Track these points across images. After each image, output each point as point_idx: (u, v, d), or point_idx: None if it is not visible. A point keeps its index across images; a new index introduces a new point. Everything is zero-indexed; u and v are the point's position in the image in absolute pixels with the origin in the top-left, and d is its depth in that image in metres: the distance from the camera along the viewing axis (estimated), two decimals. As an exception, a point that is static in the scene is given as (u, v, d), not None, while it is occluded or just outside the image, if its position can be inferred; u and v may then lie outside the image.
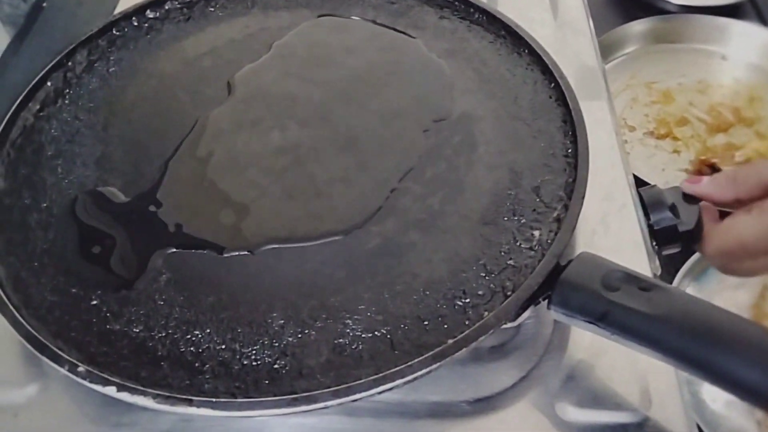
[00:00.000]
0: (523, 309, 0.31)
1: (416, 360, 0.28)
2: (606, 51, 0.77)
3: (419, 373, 0.28)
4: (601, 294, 0.28)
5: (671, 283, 0.56)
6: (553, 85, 0.42)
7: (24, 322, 0.30)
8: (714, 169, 0.66)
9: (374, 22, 0.47)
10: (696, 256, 0.58)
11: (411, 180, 0.37)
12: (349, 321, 0.31)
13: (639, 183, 0.60)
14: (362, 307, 0.32)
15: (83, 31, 0.46)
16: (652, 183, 0.62)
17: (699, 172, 0.67)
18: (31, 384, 0.33)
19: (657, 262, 0.43)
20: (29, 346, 0.29)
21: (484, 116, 0.41)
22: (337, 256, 0.34)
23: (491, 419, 0.31)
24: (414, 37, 0.46)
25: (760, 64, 0.79)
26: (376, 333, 0.31)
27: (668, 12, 0.83)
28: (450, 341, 0.29)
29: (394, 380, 0.28)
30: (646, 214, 0.42)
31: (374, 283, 0.33)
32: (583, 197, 0.35)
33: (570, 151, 0.38)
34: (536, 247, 0.34)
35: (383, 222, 0.35)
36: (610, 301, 0.28)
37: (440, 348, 0.29)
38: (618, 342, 0.28)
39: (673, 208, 0.42)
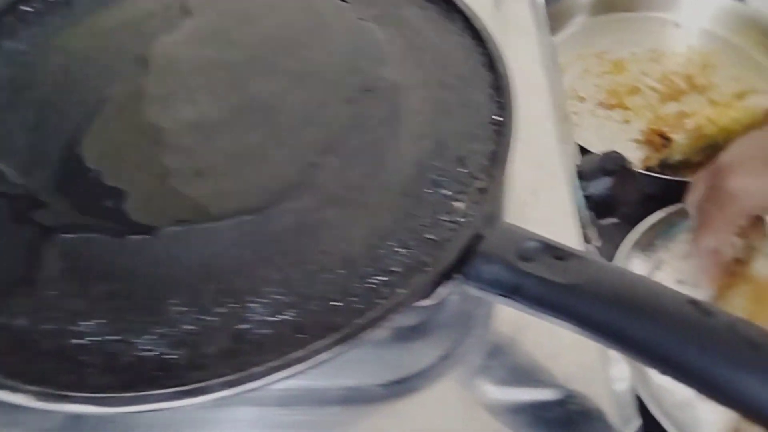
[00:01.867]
0: (437, 285, 0.29)
1: (318, 343, 0.26)
2: (557, 21, 0.75)
3: (322, 356, 0.26)
4: (515, 265, 0.26)
5: (614, 254, 0.55)
6: (483, 51, 0.40)
7: None
8: (665, 138, 0.64)
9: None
10: (642, 226, 0.56)
11: (331, 153, 0.35)
12: (253, 305, 0.29)
13: (582, 150, 0.60)
14: (269, 289, 0.29)
15: None
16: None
17: (649, 142, 0.65)
18: None
19: (596, 234, 0.42)
20: None
21: (412, 85, 0.39)
22: (246, 236, 0.31)
23: (407, 402, 0.29)
24: (344, 1, 0.44)
25: (713, 30, 0.78)
26: (282, 316, 0.29)
27: (620, -20, 0.82)
28: (358, 321, 0.27)
29: (292, 366, 0.25)
30: (583, 185, 0.41)
31: (284, 264, 0.30)
32: (505, 165, 0.33)
33: (497, 118, 0.36)
34: (457, 220, 0.31)
35: (298, 199, 0.33)
36: (523, 272, 0.26)
37: (346, 330, 0.27)
38: (537, 316, 0.26)
39: (611, 175, 0.40)
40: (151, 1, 0.44)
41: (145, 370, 0.27)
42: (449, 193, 0.33)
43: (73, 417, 0.28)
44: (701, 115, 0.66)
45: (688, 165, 0.62)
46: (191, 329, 0.28)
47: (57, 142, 0.36)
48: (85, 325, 0.28)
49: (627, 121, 0.68)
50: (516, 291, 0.26)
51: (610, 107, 0.69)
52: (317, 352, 0.26)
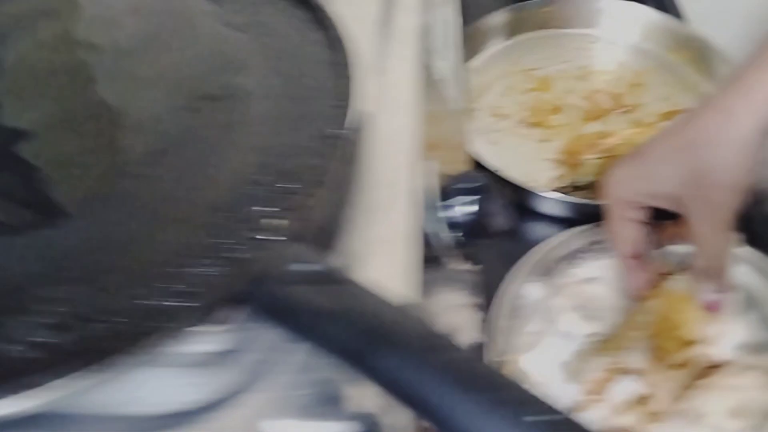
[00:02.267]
0: (212, 311, 0.27)
1: (58, 371, 0.24)
2: (485, 37, 0.74)
3: (63, 384, 0.24)
4: (280, 289, 0.24)
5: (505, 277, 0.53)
6: (338, 63, 0.38)
7: None
8: (576, 158, 0.63)
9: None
10: (540, 248, 0.55)
11: (152, 164, 0.33)
12: (19, 325, 0.27)
13: (499, 178, 0.58)
14: (43, 308, 0.27)
15: None
16: (515, 174, 0.60)
17: (565, 162, 0.64)
18: None
19: (458, 255, 0.40)
20: None
21: (260, 95, 0.37)
22: (35, 249, 0.29)
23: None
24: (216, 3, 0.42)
25: (646, 47, 0.77)
26: (54, 339, 0.27)
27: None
28: (106, 350, 0.25)
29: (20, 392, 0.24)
30: (446, 203, 0.39)
31: (69, 279, 0.29)
32: (322, 183, 0.31)
33: (335, 132, 0.34)
34: (269, 238, 0.30)
35: (105, 212, 0.31)
36: (289, 297, 0.24)
37: (105, 358, 0.25)
38: (299, 342, 0.24)
39: (473, 194, 0.39)
40: (19, 4, 0.43)
41: None
42: (261, 209, 0.31)
43: None
44: (620, 136, 0.64)
45: (596, 186, 0.60)
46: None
47: None
48: None
49: (547, 140, 0.66)
50: (280, 315, 0.24)
51: (532, 125, 0.68)
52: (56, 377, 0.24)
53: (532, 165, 0.63)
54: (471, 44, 0.72)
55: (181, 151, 0.34)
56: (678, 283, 0.50)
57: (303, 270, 0.25)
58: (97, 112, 0.36)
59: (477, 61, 0.73)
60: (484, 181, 0.39)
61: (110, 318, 0.27)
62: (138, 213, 0.31)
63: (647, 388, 0.48)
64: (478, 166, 0.59)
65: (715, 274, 0.46)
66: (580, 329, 0.52)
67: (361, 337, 0.22)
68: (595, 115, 0.68)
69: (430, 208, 0.38)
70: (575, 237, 0.55)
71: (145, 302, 0.28)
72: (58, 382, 0.24)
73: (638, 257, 0.49)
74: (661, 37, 0.74)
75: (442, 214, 0.39)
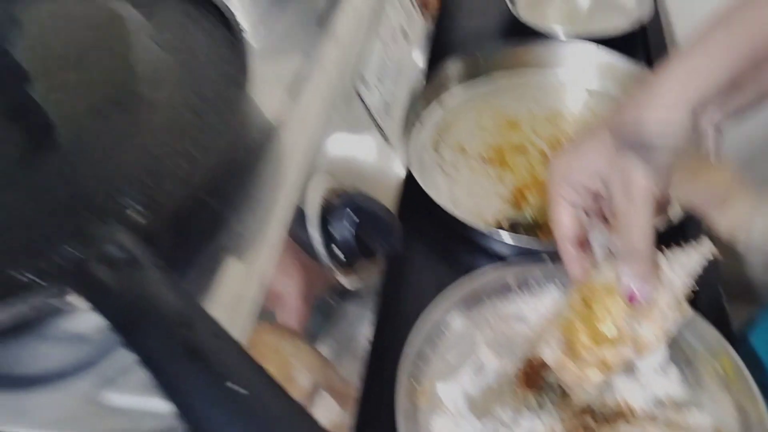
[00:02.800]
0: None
1: None
2: (458, 74, 0.76)
3: None
4: (91, 269, 0.27)
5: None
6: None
7: None
8: (522, 197, 0.63)
9: None
10: (468, 280, 0.55)
11: (53, 154, 0.37)
12: None
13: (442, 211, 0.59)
14: None
15: None
16: (463, 208, 0.61)
17: (513, 200, 0.65)
18: None
19: (342, 276, 0.42)
20: None
21: (162, 105, 0.41)
22: None
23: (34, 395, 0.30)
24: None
25: (612, 92, 0.77)
26: None
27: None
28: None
29: None
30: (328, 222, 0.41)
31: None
32: (188, 184, 0.34)
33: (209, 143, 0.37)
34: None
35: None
36: (93, 275, 0.27)
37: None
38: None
39: (353, 214, 0.41)
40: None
41: None
42: (130, 203, 0.34)
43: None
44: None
45: (539, 227, 0.61)
46: None
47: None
48: None
49: (501, 179, 0.67)
50: (82, 291, 0.27)
51: (490, 163, 0.69)
52: None
53: (482, 200, 0.64)
54: (441, 81, 0.74)
55: (81, 147, 0.38)
56: (604, 272, 0.47)
57: (109, 252, 0.28)
58: (24, 109, 0.41)
59: (448, 97, 0.75)
60: (367, 202, 0.41)
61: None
62: (28, 198, 0.35)
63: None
64: (419, 193, 0.61)
65: (636, 258, 0.44)
66: (493, 365, 0.52)
67: (128, 313, 0.24)
68: (557, 158, 0.69)
69: (311, 221, 0.40)
70: (506, 272, 0.56)
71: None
72: None
73: (577, 244, 0.48)
74: (626, 81, 0.75)
75: (318, 228, 0.41)
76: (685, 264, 0.47)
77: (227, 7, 0.46)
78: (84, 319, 0.34)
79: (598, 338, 0.47)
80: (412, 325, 0.53)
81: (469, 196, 0.65)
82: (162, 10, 0.48)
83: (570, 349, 0.46)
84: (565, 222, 0.46)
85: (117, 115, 0.40)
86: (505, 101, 0.75)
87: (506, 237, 0.58)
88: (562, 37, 0.81)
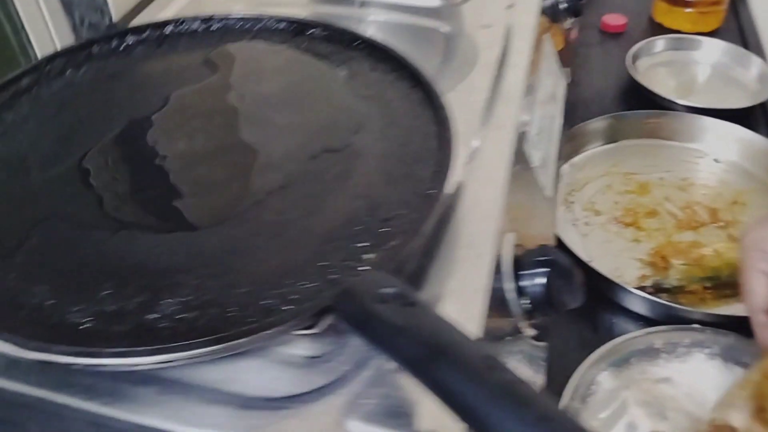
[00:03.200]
0: (317, 316, 0.33)
1: (196, 341, 0.31)
2: (589, 137, 0.79)
3: (194, 352, 0.31)
4: (369, 305, 0.30)
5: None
6: (444, 134, 0.45)
7: None
8: (666, 261, 0.64)
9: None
10: (618, 340, 0.56)
11: (278, 196, 0.41)
12: (167, 301, 0.34)
13: (586, 268, 0.61)
14: (185, 292, 0.35)
15: None
16: (602, 268, 0.62)
17: (652, 264, 0.66)
18: None
19: (526, 325, 0.44)
20: None
21: (370, 154, 0.44)
22: (183, 247, 0.37)
23: (269, 417, 0.33)
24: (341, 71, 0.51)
25: (752, 171, 0.78)
26: (184, 315, 0.34)
27: (671, 110, 0.84)
28: (232, 331, 0.32)
29: (168, 353, 0.30)
30: (517, 274, 0.44)
31: (205, 275, 0.36)
32: (418, 232, 0.37)
33: (432, 192, 0.40)
34: (359, 268, 0.36)
35: (235, 226, 0.39)
36: (372, 312, 0.29)
37: (221, 335, 0.31)
38: (377, 351, 0.30)
39: (546, 268, 0.43)
40: (190, 56, 0.54)
41: (61, 330, 0.33)
42: (364, 245, 0.37)
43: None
44: (713, 248, 0.66)
45: (682, 291, 0.61)
46: (111, 309, 0.34)
47: (73, 151, 0.44)
48: (37, 289, 0.35)
49: (637, 241, 0.69)
50: (362, 327, 0.30)
51: (624, 225, 0.70)
52: (192, 348, 0.31)
53: (619, 261, 0.65)
54: (575, 143, 0.77)
55: (301, 189, 0.42)
56: None
57: (383, 291, 0.31)
58: (237, 149, 0.45)
59: (579, 158, 0.78)
60: (557, 256, 0.43)
61: (229, 307, 0.33)
62: (261, 232, 0.39)
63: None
64: (566, 252, 0.62)
65: None
66: (645, 426, 0.53)
67: (425, 350, 0.27)
68: (690, 225, 0.70)
69: (505, 274, 0.42)
70: (655, 335, 0.57)
71: (261, 302, 0.34)
72: (184, 349, 0.31)
73: None
74: (764, 161, 0.76)
75: (513, 282, 0.43)
76: None
77: (421, 71, 0.50)
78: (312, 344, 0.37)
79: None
80: (555, 382, 0.54)
81: (606, 256, 0.66)
82: (358, 69, 0.52)
83: (760, 414, 0.46)
84: (758, 291, 0.48)
85: (331, 161, 0.44)
86: (634, 167, 0.77)
87: (651, 299, 0.59)
88: (681, 104, 0.83)
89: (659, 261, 0.65)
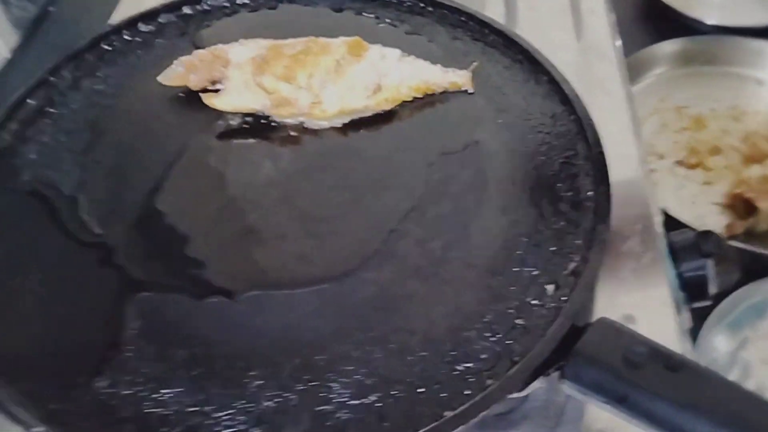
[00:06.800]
0: (532, 379, 0.27)
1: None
2: (634, 72, 0.73)
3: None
4: (621, 373, 0.24)
5: (700, 329, 0.52)
6: (573, 117, 0.38)
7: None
8: (748, 204, 0.61)
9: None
10: (729, 301, 0.53)
11: (412, 221, 0.34)
12: (334, 384, 0.28)
13: (669, 219, 0.57)
14: (350, 368, 0.28)
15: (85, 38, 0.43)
16: (682, 218, 0.58)
17: (732, 207, 0.62)
18: None
19: (687, 314, 0.40)
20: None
21: (496, 150, 0.38)
22: (326, 306, 0.30)
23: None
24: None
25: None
26: (364, 400, 0.27)
27: (701, 32, 0.79)
28: (447, 414, 0.26)
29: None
30: (675, 262, 0.39)
31: (365, 340, 0.29)
32: (604, 249, 0.31)
33: (590, 194, 0.34)
34: (549, 305, 0.30)
35: (378, 268, 0.32)
36: (631, 382, 0.24)
37: (434, 424, 0.26)
38: (640, 427, 0.24)
39: (708, 257, 0.38)
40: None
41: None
42: (538, 273, 0.31)
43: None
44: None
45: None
46: (271, 406, 0.27)
47: (134, 192, 0.35)
48: (165, 393, 0.27)
49: (708, 183, 0.65)
50: (621, 401, 0.24)
51: (691, 167, 0.66)
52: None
53: (699, 209, 0.62)
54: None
55: (435, 208, 0.34)
56: None
57: (632, 352, 0.25)
58: (339, 164, 0.37)
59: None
60: (718, 243, 0.38)
61: (428, 383, 0.27)
62: (411, 272, 0.32)
63: None
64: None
65: None
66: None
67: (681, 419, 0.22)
68: (754, 158, 0.66)
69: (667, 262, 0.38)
70: (758, 287, 0.54)
71: (452, 371, 0.28)
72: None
73: None
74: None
75: (673, 272, 0.38)
76: None
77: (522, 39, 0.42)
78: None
79: None
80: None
81: (683, 205, 0.63)
82: (430, 34, 0.44)
83: None
84: None
85: (454, 167, 0.36)
86: (684, 99, 0.73)
87: (753, 250, 0.56)
88: (709, 22, 0.78)
89: (739, 204, 0.61)
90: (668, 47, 0.76)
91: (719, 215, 0.62)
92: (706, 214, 0.62)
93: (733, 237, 0.59)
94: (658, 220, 0.39)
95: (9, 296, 0.31)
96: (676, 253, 0.39)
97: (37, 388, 0.28)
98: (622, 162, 0.41)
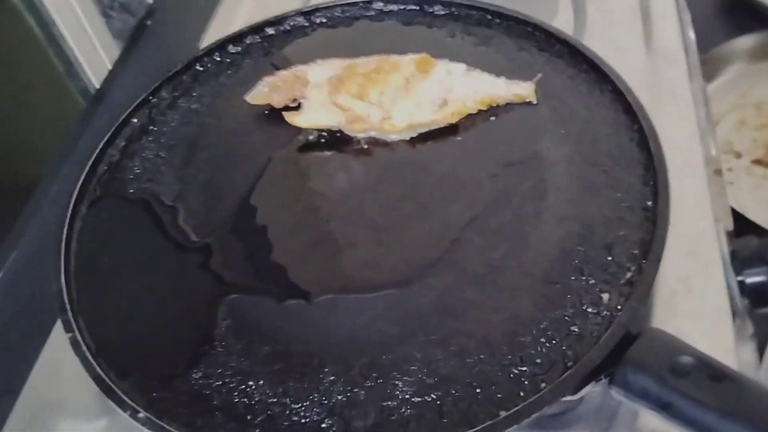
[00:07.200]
0: (584, 384, 0.29)
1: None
2: (712, 68, 0.71)
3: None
4: (667, 380, 0.26)
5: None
6: (636, 127, 0.39)
7: (94, 363, 0.32)
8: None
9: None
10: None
11: (473, 230, 0.36)
12: (399, 382, 0.31)
13: (742, 220, 0.56)
14: (414, 367, 0.31)
15: (184, 52, 0.48)
16: (759, 219, 0.57)
17: (815, 207, 0.60)
18: (103, 417, 0.35)
19: (749, 323, 0.40)
20: (98, 388, 0.31)
21: (557, 161, 0.39)
22: (392, 310, 0.33)
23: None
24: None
25: None
26: (425, 398, 0.30)
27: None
28: (502, 414, 0.28)
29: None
30: (738, 269, 0.39)
31: (427, 342, 0.32)
32: (660, 260, 0.32)
33: (649, 204, 0.35)
34: (604, 313, 0.31)
35: (441, 275, 0.34)
36: (675, 389, 0.26)
37: (490, 422, 0.28)
38: (683, 433, 0.26)
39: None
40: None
41: (302, 435, 0.29)
42: (594, 281, 0.33)
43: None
44: None
45: None
46: (342, 400, 0.30)
47: (225, 202, 0.39)
48: (250, 385, 0.31)
49: (788, 182, 0.63)
50: (666, 407, 0.26)
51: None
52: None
53: (777, 210, 0.60)
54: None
55: (496, 217, 0.37)
56: None
57: (679, 362, 0.26)
58: (408, 175, 0.40)
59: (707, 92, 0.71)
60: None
61: (485, 384, 0.30)
62: (471, 280, 0.34)
63: None
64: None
65: None
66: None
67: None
68: (840, 155, 0.64)
69: (727, 269, 0.38)
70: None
71: (509, 373, 0.30)
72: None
73: None
74: None
75: (735, 279, 0.39)
76: None
77: (587, 48, 0.44)
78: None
79: None
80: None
81: (759, 205, 0.61)
82: (497, 45, 0.46)
83: None
84: None
85: (516, 177, 0.38)
86: (765, 94, 0.70)
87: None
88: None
89: (821, 205, 0.59)
90: (747, 41, 0.73)
91: (800, 217, 0.60)
92: (785, 215, 0.60)
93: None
94: (722, 227, 0.40)
95: (116, 295, 0.36)
96: (739, 260, 0.39)
97: (140, 379, 0.32)
98: (687, 170, 0.41)
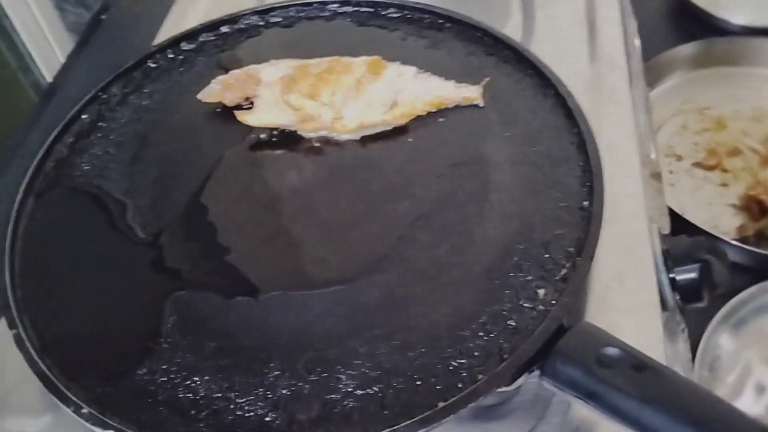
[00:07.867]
0: (518, 375, 0.30)
1: (402, 424, 0.29)
2: (657, 74, 0.74)
3: (404, 438, 0.28)
4: (592, 371, 0.27)
5: (704, 330, 0.54)
6: (576, 131, 0.41)
7: (38, 360, 0.32)
8: (762, 206, 0.62)
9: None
10: (734, 301, 0.55)
11: (420, 228, 0.37)
12: (342, 376, 0.31)
13: (681, 220, 0.59)
14: (358, 361, 0.32)
15: (138, 48, 0.48)
16: (696, 220, 0.60)
17: (747, 209, 0.63)
18: (47, 414, 0.35)
19: (681, 318, 0.42)
20: (42, 385, 0.31)
21: (501, 162, 0.40)
22: (338, 305, 0.34)
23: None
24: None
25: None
26: (368, 390, 0.31)
27: (728, 32, 0.79)
28: (440, 405, 0.29)
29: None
30: (670, 267, 0.41)
31: (372, 337, 0.33)
32: (592, 257, 0.34)
33: (586, 204, 0.37)
34: (539, 308, 0.33)
35: (387, 271, 0.35)
36: (600, 379, 0.27)
37: (429, 413, 0.29)
38: (610, 421, 0.27)
39: (701, 262, 0.40)
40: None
41: (244, 430, 0.30)
42: (532, 278, 0.34)
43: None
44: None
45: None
46: (286, 394, 0.31)
47: (174, 199, 0.40)
48: (195, 380, 0.32)
49: (725, 185, 0.66)
50: (591, 396, 0.27)
51: (709, 168, 0.68)
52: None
53: (713, 210, 0.63)
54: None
55: (441, 216, 0.38)
56: None
57: (604, 353, 0.28)
58: (355, 174, 0.41)
59: (650, 97, 0.74)
60: (710, 249, 0.41)
61: (414, 375, 0.31)
62: (416, 276, 0.35)
63: None
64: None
65: None
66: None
67: (686, 427, 0.25)
68: (774, 159, 0.67)
69: (659, 269, 0.40)
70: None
71: (447, 365, 0.31)
72: None
73: None
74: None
75: (666, 277, 0.41)
76: None
77: (529, 51, 0.45)
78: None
79: None
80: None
81: (698, 206, 0.64)
82: (446, 49, 0.47)
83: None
84: None
85: (462, 177, 0.40)
86: (707, 101, 0.74)
87: (758, 251, 0.57)
88: (736, 22, 0.78)
89: (753, 206, 0.63)
90: (691, 49, 0.76)
91: (734, 217, 0.63)
92: (721, 215, 0.63)
93: (744, 239, 0.60)
94: (656, 227, 0.42)
95: (62, 292, 0.36)
96: (671, 259, 0.41)
97: (85, 376, 0.32)
98: (623, 173, 0.43)
